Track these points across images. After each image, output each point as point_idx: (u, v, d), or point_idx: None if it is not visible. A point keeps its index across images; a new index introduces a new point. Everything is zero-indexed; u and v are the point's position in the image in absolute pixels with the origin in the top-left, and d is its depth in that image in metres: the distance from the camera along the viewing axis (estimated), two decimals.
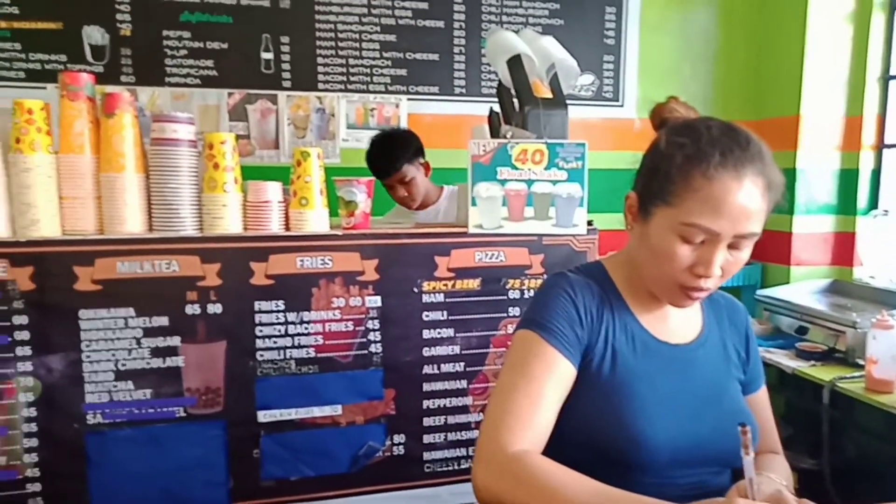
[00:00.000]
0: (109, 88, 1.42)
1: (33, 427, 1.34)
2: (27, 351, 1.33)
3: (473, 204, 1.53)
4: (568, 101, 1.61)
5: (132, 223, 1.38)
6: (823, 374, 1.96)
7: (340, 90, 2.26)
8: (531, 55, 1.61)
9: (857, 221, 2.55)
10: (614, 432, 0.86)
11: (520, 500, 0.78)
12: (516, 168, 1.53)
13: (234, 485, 1.45)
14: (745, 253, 0.86)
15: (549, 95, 1.59)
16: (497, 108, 1.76)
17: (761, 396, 1.03)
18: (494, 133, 1.68)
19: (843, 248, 2.61)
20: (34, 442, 1.34)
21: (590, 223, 1.59)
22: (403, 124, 2.31)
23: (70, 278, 1.34)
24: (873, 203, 2.55)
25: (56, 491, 1.36)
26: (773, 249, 2.64)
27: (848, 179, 2.58)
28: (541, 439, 0.85)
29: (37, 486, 1.35)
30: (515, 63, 1.58)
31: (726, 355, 0.99)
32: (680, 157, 0.84)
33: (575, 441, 0.87)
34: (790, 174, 2.54)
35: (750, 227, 0.83)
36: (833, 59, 2.53)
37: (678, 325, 0.96)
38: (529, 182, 1.54)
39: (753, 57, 2.73)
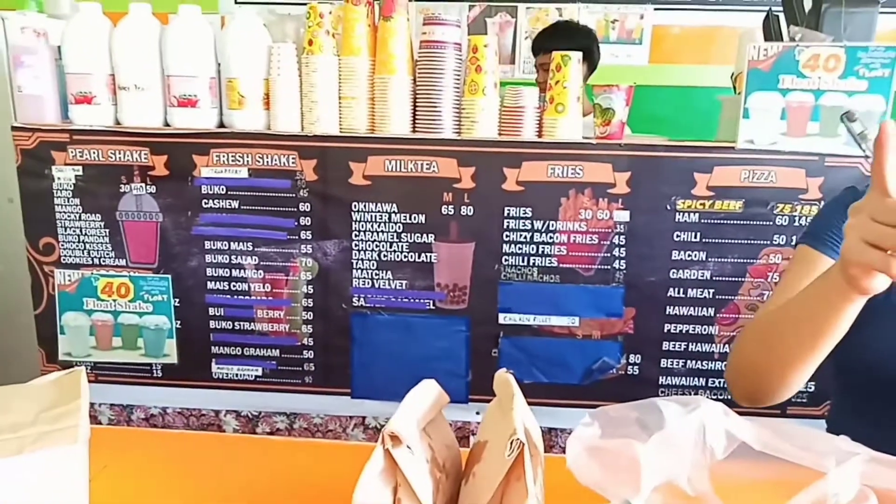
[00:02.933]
0: None
1: (310, 303, 1.53)
2: (308, 235, 1.50)
3: (746, 116, 1.38)
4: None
5: (399, 124, 1.46)
6: None
7: (582, 1, 2.16)
8: None
9: None
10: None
11: (752, 347, 0.80)
12: (803, 76, 1.34)
13: (473, 379, 1.54)
14: None
15: None
16: (777, 10, 1.54)
17: None
18: (774, 38, 1.49)
19: None
20: (310, 315, 1.53)
21: None
22: (647, 37, 2.15)
23: (346, 172, 1.47)
24: None
25: (325, 360, 1.55)
26: None
27: None
28: None
29: (310, 354, 1.55)
30: None
31: None
32: None
33: (849, 366, 0.82)
34: None
35: None
36: None
37: None
38: (817, 93, 1.35)
39: None
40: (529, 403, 1.61)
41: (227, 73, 1.46)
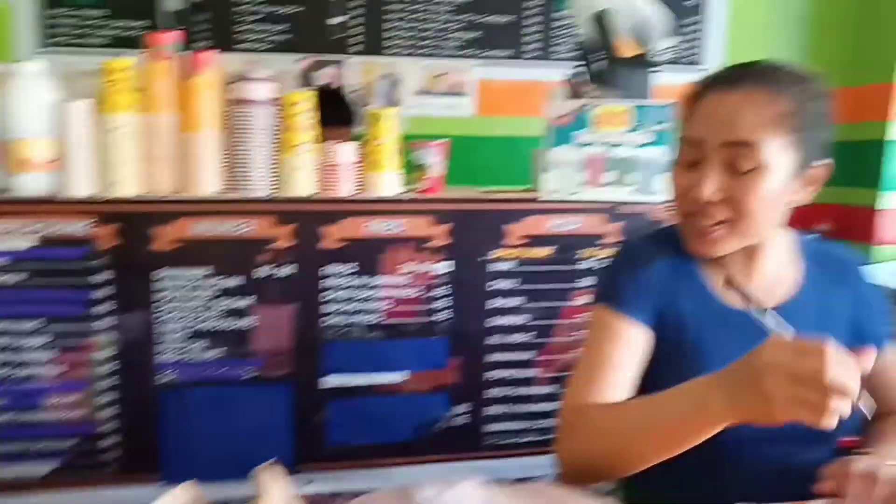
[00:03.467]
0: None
1: (110, 383, 1.38)
2: (107, 307, 1.36)
3: (549, 169, 1.47)
4: (654, 63, 1.52)
5: (209, 183, 1.39)
6: None
7: (408, 55, 2.21)
8: (618, 10, 1.51)
9: None
10: None
11: (596, 448, 0.76)
12: (597, 131, 1.45)
13: (299, 448, 1.46)
14: (754, 179, 0.77)
15: (635, 54, 1.49)
16: (578, 69, 1.67)
17: (888, 355, 0.92)
18: (575, 95, 1.60)
19: None
20: (111, 397, 1.38)
21: None
22: (474, 89, 2.24)
23: (149, 237, 1.36)
24: None
25: (130, 445, 1.40)
26: (856, 227, 2.42)
27: None
28: (609, 397, 0.82)
29: (113, 440, 1.39)
30: (601, 18, 1.49)
31: (826, 320, 0.88)
32: (701, 83, 0.83)
33: None
34: (878, 146, 2.31)
35: (738, 134, 0.76)
36: None
37: (761, 288, 0.88)
38: (610, 145, 1.46)
39: (850, 21, 2.50)
40: (361, 466, 1.56)
41: (11, 133, 1.32)
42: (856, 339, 0.90)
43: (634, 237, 0.95)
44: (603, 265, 0.97)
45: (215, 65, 1.40)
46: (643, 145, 1.46)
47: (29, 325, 1.34)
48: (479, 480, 0.63)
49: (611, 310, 0.86)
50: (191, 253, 1.38)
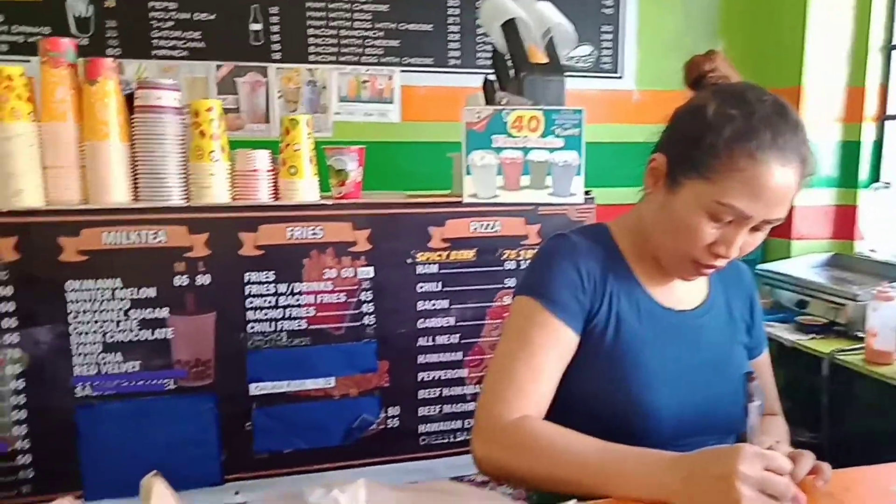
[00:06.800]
0: None
1: (22, 399, 1.32)
2: (13, 322, 1.30)
3: (468, 173, 1.50)
4: (564, 70, 1.58)
5: (117, 192, 1.36)
6: (823, 346, 1.93)
7: (332, 62, 2.21)
8: (527, 19, 1.57)
9: (858, 194, 2.51)
10: (618, 402, 0.83)
11: (523, 466, 0.76)
12: (512, 135, 1.50)
13: (227, 458, 1.44)
14: (764, 235, 0.83)
15: (546, 61, 1.55)
16: (492, 76, 1.71)
17: (764, 360, 1.01)
18: (490, 101, 1.64)
19: (845, 222, 2.57)
20: (23, 414, 1.32)
21: (587, 193, 1.56)
22: (397, 97, 2.26)
23: (55, 249, 1.31)
24: (875, 175, 2.51)
25: (47, 464, 1.34)
26: None
27: (850, 151, 2.53)
28: (540, 409, 0.82)
29: (27, 458, 1.33)
30: (510, 27, 1.54)
31: (732, 320, 0.95)
32: (729, 130, 0.76)
33: (578, 411, 0.84)
34: None
35: (780, 213, 0.79)
36: (835, 29, 2.47)
37: (684, 291, 0.92)
38: (525, 150, 1.51)
39: (755, 28, 2.66)
40: (289, 473, 1.54)
41: None
42: (750, 342, 0.97)
43: (564, 233, 0.93)
44: (533, 258, 0.92)
45: (116, 70, 1.36)
46: (556, 149, 1.52)
47: None
48: (367, 481, 0.63)
49: (541, 306, 0.84)
50: (101, 264, 1.34)
